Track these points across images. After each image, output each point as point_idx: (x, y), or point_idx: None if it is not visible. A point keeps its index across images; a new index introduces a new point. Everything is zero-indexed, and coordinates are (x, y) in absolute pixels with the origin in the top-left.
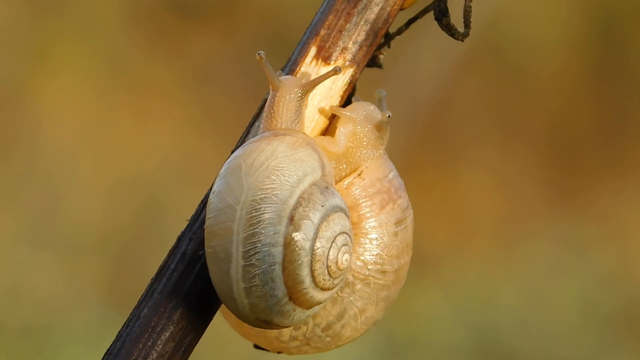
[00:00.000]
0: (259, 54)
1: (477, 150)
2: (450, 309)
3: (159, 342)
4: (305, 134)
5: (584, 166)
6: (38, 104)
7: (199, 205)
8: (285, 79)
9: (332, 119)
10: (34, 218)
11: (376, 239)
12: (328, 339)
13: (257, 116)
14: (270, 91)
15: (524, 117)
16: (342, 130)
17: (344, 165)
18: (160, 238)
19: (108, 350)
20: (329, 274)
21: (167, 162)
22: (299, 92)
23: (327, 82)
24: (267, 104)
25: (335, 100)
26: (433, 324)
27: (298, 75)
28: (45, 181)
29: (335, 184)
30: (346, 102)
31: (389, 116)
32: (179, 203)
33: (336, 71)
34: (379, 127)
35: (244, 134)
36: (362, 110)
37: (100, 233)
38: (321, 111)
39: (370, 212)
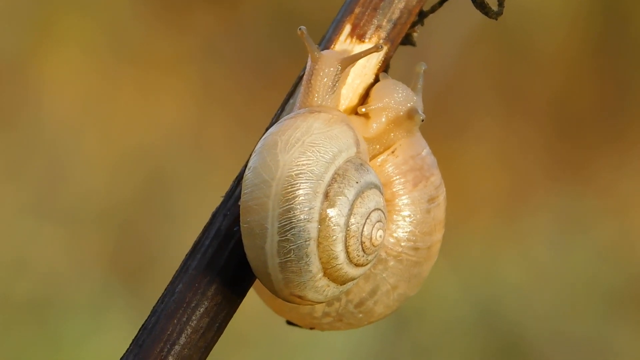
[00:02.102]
0: (300, 29)
1: (480, 125)
2: (454, 282)
3: (193, 317)
4: (340, 111)
5: (586, 140)
6: (42, 77)
7: (234, 181)
8: (326, 52)
9: (365, 97)
10: (38, 190)
11: (409, 216)
12: (360, 315)
13: (291, 94)
14: (309, 64)
15: (527, 91)
16: (374, 118)
17: (377, 145)
18: (163, 211)
19: (143, 325)
20: (363, 250)
21: (171, 135)
22: (338, 66)
23: (361, 60)
24: (305, 76)
25: (370, 78)
26: (437, 296)
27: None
28: (49, 153)
29: (369, 161)
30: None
31: (422, 120)
32: (182, 176)
33: (378, 48)
34: (410, 115)
35: (278, 110)
36: (393, 97)
37: (104, 205)
38: (355, 90)
39: (403, 189)
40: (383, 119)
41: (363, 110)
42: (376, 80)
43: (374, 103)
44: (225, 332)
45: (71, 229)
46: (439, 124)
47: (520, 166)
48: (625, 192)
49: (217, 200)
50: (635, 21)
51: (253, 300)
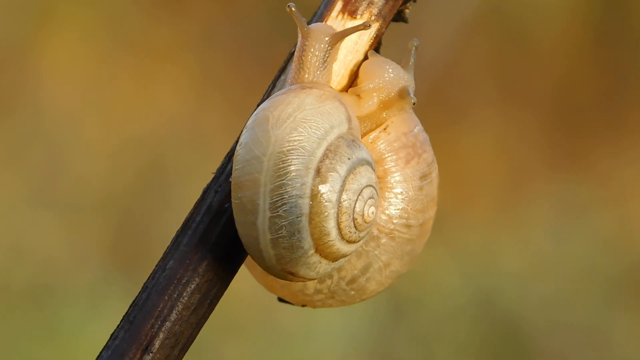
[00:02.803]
0: (288, 6)
1: (479, 113)
2: (453, 271)
3: (184, 294)
4: (331, 87)
5: (585, 129)
6: (41, 65)
7: (225, 157)
8: (315, 26)
9: (356, 75)
10: (37, 178)
11: (401, 193)
12: (352, 292)
13: (282, 70)
14: (300, 40)
15: (526, 80)
16: (365, 99)
17: (369, 123)
18: (162, 199)
19: (134, 301)
20: (355, 226)
21: (170, 124)
22: (328, 41)
23: (352, 37)
24: (296, 52)
25: (361, 54)
26: (436, 285)
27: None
28: (48, 141)
29: (361, 138)
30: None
31: (414, 103)
32: (181, 164)
33: (365, 26)
34: (402, 95)
35: (269, 87)
36: (383, 77)
37: (103, 193)
38: (346, 66)
39: (395, 166)
40: (375, 99)
41: (355, 91)
42: (365, 58)
43: (364, 84)
44: (221, 319)
45: (70, 217)
46: (437, 112)
47: (519, 155)
48: (624, 181)
49: (208, 177)
50: (635, 10)
51: (248, 287)
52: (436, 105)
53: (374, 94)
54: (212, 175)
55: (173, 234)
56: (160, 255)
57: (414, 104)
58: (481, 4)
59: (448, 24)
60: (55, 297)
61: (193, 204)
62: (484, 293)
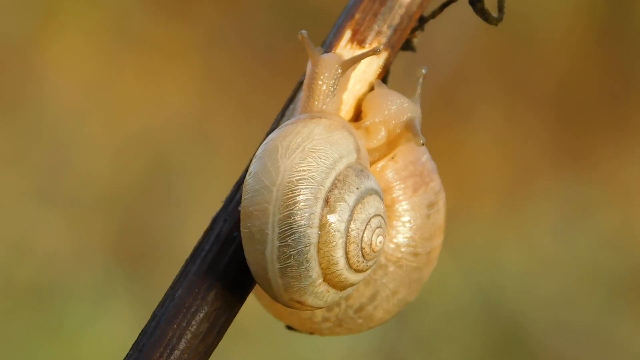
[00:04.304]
0: (300, 33)
1: (483, 113)
2: (456, 270)
3: (193, 322)
4: (340, 116)
5: (589, 128)
6: (45, 62)
7: (234, 186)
8: (326, 55)
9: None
10: (40, 176)
11: (409, 221)
12: (360, 320)
13: (291, 99)
14: (309, 67)
15: (530, 79)
16: (374, 133)
17: (377, 153)
18: (165, 197)
19: (143, 329)
20: (363, 255)
21: (174, 122)
22: (339, 69)
23: (361, 66)
24: (305, 81)
25: (369, 84)
26: (439, 285)
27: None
28: (52, 139)
29: (369, 166)
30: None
31: (423, 143)
32: (185, 162)
33: (375, 51)
34: (408, 126)
35: (279, 116)
36: (389, 110)
37: (106, 191)
38: (355, 95)
39: (403, 194)
40: (383, 132)
41: (362, 125)
42: (371, 88)
43: (370, 116)
44: (224, 337)
45: (73, 215)
46: (441, 112)
47: (523, 154)
48: (628, 180)
49: (217, 196)
50: (639, 9)
51: (253, 305)
52: (440, 105)
53: (381, 127)
54: (222, 204)
55: (177, 233)
56: (164, 254)
57: (423, 143)
58: (486, 4)
59: (451, 23)
60: (58, 295)
61: (197, 202)
62: (488, 292)
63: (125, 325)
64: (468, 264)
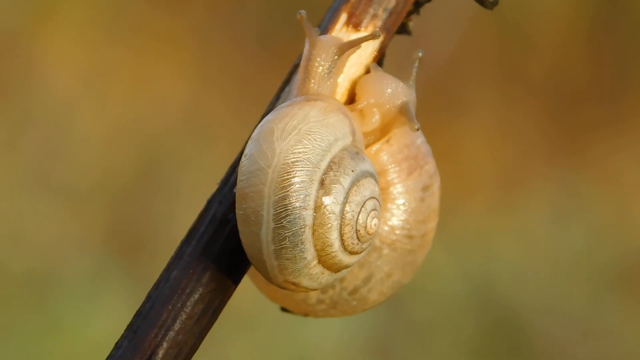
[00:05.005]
0: (299, 13)
1: (477, 105)
2: (450, 259)
3: (188, 303)
4: (336, 99)
5: (584, 122)
6: (39, 51)
7: (229, 168)
8: (324, 37)
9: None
10: (34, 165)
11: (403, 204)
12: (354, 302)
13: (287, 81)
14: (307, 48)
15: (524, 72)
16: (368, 116)
17: (372, 136)
18: (161, 184)
19: (138, 311)
20: (358, 238)
21: (170, 109)
22: (336, 51)
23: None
24: (302, 62)
25: (364, 67)
26: (432, 272)
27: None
28: (45, 128)
29: (364, 149)
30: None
31: (417, 128)
32: (181, 150)
33: (375, 36)
34: (402, 110)
35: (274, 98)
36: (382, 94)
37: (101, 179)
38: (350, 78)
39: (397, 178)
40: (377, 116)
41: (356, 107)
42: (367, 71)
43: (364, 99)
44: (223, 311)
45: (68, 202)
46: (436, 104)
47: (517, 144)
48: (621, 170)
49: (213, 184)
50: (632, 0)
51: (248, 286)
52: (435, 97)
53: (375, 110)
54: (217, 186)
55: (171, 221)
56: (159, 242)
57: (417, 129)
58: None
59: (447, 16)
60: (53, 282)
61: (192, 191)
62: (481, 281)
63: (120, 311)
64: (462, 252)
